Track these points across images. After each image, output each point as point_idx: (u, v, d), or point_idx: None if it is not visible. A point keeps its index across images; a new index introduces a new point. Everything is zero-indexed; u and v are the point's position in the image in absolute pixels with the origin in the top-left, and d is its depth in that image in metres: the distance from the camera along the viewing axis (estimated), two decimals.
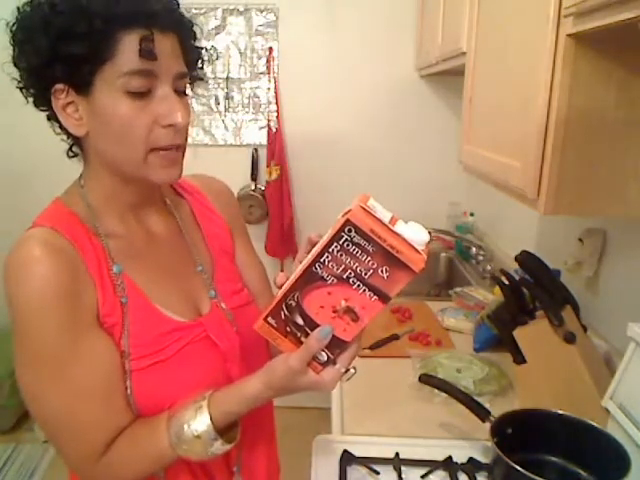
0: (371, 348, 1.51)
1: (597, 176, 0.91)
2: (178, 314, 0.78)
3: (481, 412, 1.03)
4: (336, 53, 2.52)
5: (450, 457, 1.02)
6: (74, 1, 0.66)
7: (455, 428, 1.15)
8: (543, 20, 0.88)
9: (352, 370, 0.74)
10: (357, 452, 1.03)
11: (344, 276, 0.63)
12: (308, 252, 0.67)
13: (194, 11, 2.44)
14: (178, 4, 0.74)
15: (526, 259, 1.24)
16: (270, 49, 2.47)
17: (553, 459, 0.97)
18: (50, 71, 0.68)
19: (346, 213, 0.61)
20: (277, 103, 2.52)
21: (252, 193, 2.61)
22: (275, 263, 2.66)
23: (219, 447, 0.71)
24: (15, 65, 0.72)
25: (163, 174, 0.74)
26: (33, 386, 0.74)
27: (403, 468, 1.00)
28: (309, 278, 0.64)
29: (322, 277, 0.64)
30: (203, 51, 0.81)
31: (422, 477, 0.99)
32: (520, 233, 1.93)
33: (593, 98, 0.87)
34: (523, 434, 0.96)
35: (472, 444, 1.07)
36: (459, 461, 1.01)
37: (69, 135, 0.78)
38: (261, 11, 2.47)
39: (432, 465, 1.00)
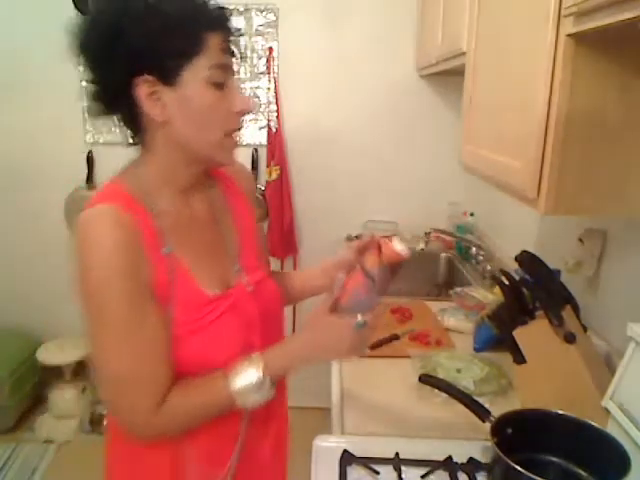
0: (371, 348, 1.50)
1: (597, 176, 0.91)
2: (212, 288, 0.88)
3: (481, 412, 1.03)
4: (336, 53, 2.52)
5: (450, 457, 1.02)
6: (170, 3, 0.77)
7: (455, 428, 1.15)
8: (543, 20, 0.87)
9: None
10: (357, 452, 1.03)
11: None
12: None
13: None
14: (226, 7, 0.86)
15: (526, 259, 1.24)
16: (270, 49, 2.47)
17: (553, 459, 0.97)
18: (140, 64, 0.78)
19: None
20: (277, 103, 2.52)
21: None
22: (275, 263, 2.67)
23: (270, 394, 0.85)
24: (87, 59, 0.82)
25: (229, 156, 0.89)
26: (102, 348, 0.82)
27: (403, 468, 1.00)
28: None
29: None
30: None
31: (422, 477, 0.98)
32: (520, 233, 1.93)
33: (593, 98, 0.86)
34: (523, 434, 0.96)
35: (472, 444, 1.06)
36: (459, 461, 1.01)
37: (132, 126, 0.88)
38: (261, 11, 2.47)
39: (432, 465, 1.00)
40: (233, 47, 0.85)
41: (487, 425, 0.98)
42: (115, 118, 0.88)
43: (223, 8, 0.84)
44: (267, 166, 2.57)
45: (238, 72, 0.97)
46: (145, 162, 0.89)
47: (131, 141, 0.91)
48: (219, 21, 0.82)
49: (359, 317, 0.87)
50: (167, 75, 0.79)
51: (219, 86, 0.82)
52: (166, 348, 0.83)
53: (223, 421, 0.89)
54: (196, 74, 0.80)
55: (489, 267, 2.08)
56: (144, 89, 0.80)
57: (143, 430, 0.85)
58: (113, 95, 0.83)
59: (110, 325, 0.79)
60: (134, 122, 0.86)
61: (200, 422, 0.88)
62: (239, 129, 0.87)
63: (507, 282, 1.27)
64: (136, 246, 0.79)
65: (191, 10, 0.79)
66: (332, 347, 0.90)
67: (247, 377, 0.83)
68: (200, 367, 0.86)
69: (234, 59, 0.86)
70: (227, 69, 0.83)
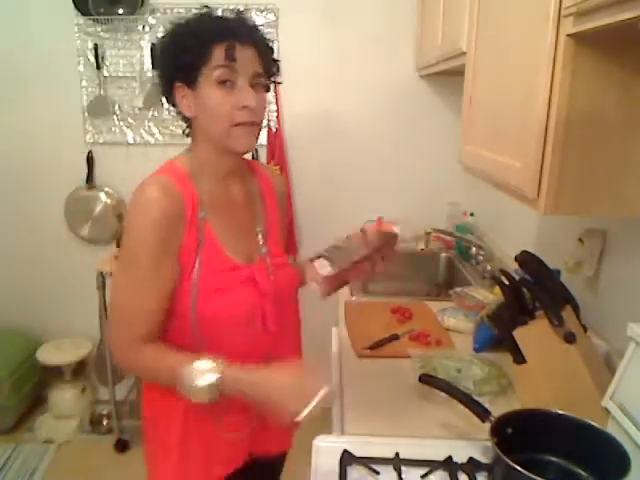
0: (371, 348, 1.51)
1: (597, 176, 0.91)
2: (238, 258, 1.07)
3: (481, 412, 1.03)
4: (336, 53, 2.52)
5: (450, 457, 1.02)
6: (185, 28, 1.03)
7: (455, 428, 1.15)
8: (543, 20, 0.88)
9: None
10: (357, 452, 1.03)
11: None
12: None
13: (194, 11, 2.44)
14: (255, 26, 1.06)
15: (526, 259, 1.24)
16: None
17: (553, 459, 0.97)
18: (173, 75, 1.04)
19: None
20: (277, 103, 2.52)
21: None
22: None
23: (211, 399, 0.95)
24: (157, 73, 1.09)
25: (240, 143, 1.04)
26: (118, 278, 1.05)
27: (403, 468, 1.00)
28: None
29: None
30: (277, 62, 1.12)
31: (422, 477, 0.98)
32: (520, 233, 1.93)
33: (593, 98, 0.86)
34: (523, 434, 0.96)
35: (472, 444, 1.07)
36: (459, 461, 1.01)
37: (184, 120, 1.11)
38: (261, 11, 2.47)
39: (432, 465, 1.00)
40: (249, 55, 1.02)
41: (487, 425, 0.98)
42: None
43: (230, 19, 1.04)
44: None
45: (274, 75, 1.12)
46: (192, 149, 1.11)
47: (185, 132, 1.14)
48: (224, 33, 1.01)
49: (327, 265, 1.05)
50: (190, 82, 1.02)
51: (225, 86, 1.01)
52: (166, 299, 1.01)
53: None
54: (207, 78, 1.01)
55: (489, 267, 2.08)
56: (179, 92, 1.05)
57: (118, 358, 1.05)
58: (167, 96, 1.09)
59: (130, 269, 1.01)
60: (183, 117, 1.10)
61: (153, 381, 1.09)
62: (248, 122, 1.03)
63: (507, 282, 1.28)
64: (177, 211, 1.00)
65: (201, 31, 1.01)
66: (275, 405, 0.93)
67: (203, 378, 0.94)
68: (215, 323, 1.03)
69: (257, 67, 1.03)
70: (232, 71, 1.01)
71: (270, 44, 1.09)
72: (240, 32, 1.02)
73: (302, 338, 1.29)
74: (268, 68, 1.08)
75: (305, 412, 0.89)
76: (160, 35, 1.10)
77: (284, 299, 1.14)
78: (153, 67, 1.12)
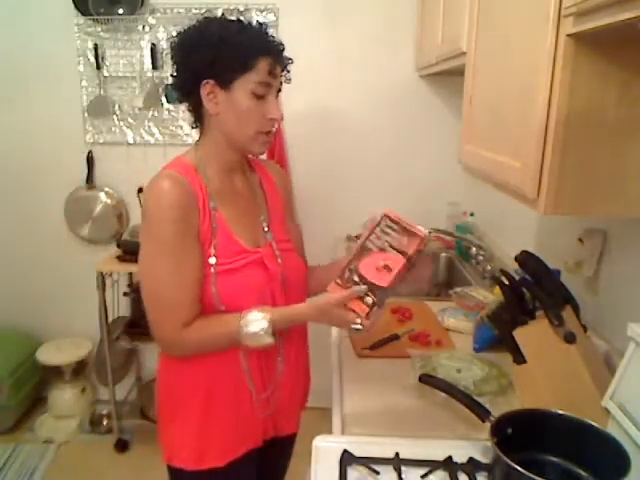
0: (371, 348, 1.51)
1: (597, 176, 0.91)
2: (245, 242, 1.15)
3: (481, 412, 1.03)
4: (336, 53, 2.52)
5: (450, 457, 1.02)
6: (235, 34, 1.07)
7: (455, 428, 1.15)
8: (543, 20, 0.88)
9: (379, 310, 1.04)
10: (357, 452, 1.03)
11: (382, 246, 1.04)
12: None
13: (194, 11, 2.45)
14: (282, 42, 1.13)
15: (526, 259, 1.24)
16: None
17: (553, 459, 0.97)
18: (207, 72, 1.07)
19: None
20: None
21: None
22: None
23: (269, 341, 1.08)
24: (176, 62, 1.12)
25: (260, 148, 1.15)
26: (148, 270, 1.09)
27: (403, 468, 1.00)
28: (362, 251, 1.05)
29: (370, 248, 1.05)
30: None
31: (422, 477, 0.98)
32: (520, 233, 1.93)
33: (593, 98, 0.86)
34: (523, 434, 0.96)
35: (472, 444, 1.07)
36: (459, 461, 1.01)
37: (195, 114, 1.16)
38: (261, 11, 2.47)
39: (432, 465, 1.00)
40: (279, 71, 1.11)
41: (487, 425, 0.98)
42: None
43: (268, 33, 1.11)
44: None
45: (281, 88, 1.19)
46: (202, 143, 1.17)
47: (194, 126, 1.19)
48: (271, 49, 1.09)
49: (369, 299, 1.02)
50: (223, 82, 1.07)
51: (259, 97, 1.09)
52: (197, 282, 1.08)
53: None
54: (244, 85, 1.07)
55: (489, 267, 2.08)
56: (206, 89, 1.08)
57: (167, 344, 1.12)
58: (187, 89, 1.12)
59: (156, 256, 1.07)
60: (197, 112, 1.15)
61: (211, 349, 1.13)
62: (270, 132, 1.13)
63: (507, 282, 1.28)
64: (189, 200, 1.07)
65: (248, 39, 1.07)
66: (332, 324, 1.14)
67: (256, 324, 1.07)
68: (228, 302, 1.10)
69: (280, 78, 1.13)
70: (269, 86, 1.10)
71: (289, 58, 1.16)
72: (279, 50, 1.11)
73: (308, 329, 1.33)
74: (286, 80, 1.18)
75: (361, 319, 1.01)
76: (178, 30, 1.12)
77: (292, 282, 1.20)
78: (173, 59, 1.10)
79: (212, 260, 1.09)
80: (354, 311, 1.02)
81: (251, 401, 1.18)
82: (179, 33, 1.11)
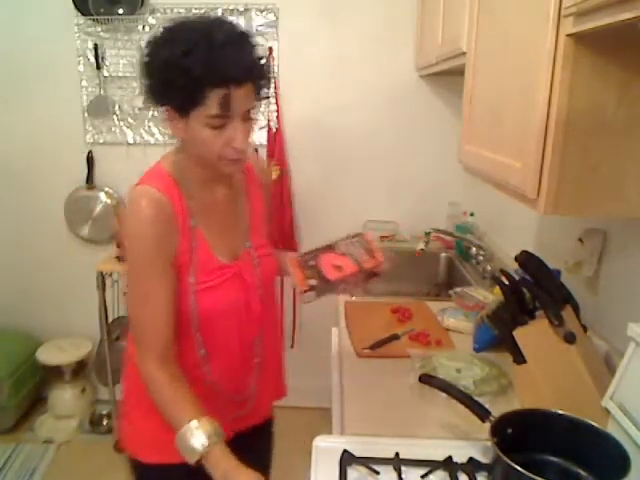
0: (371, 348, 1.51)
1: (597, 176, 0.91)
2: (224, 257, 1.13)
3: (481, 412, 1.03)
4: (336, 53, 2.52)
5: (450, 457, 1.02)
6: (186, 62, 0.93)
7: (455, 428, 1.15)
8: (543, 20, 0.88)
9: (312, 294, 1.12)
10: (357, 452, 1.03)
11: (346, 252, 1.17)
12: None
13: (194, 11, 2.45)
14: (254, 59, 1.01)
15: (526, 259, 1.24)
16: (270, 49, 2.47)
17: (553, 459, 0.97)
18: (166, 99, 1.01)
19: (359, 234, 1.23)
20: (277, 103, 2.52)
21: None
22: None
23: (193, 459, 0.97)
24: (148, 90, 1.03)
25: (227, 170, 1.08)
26: (131, 294, 1.08)
27: (403, 468, 1.00)
28: (328, 248, 1.18)
29: (336, 248, 1.18)
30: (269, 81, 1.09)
31: (422, 477, 0.99)
32: (520, 233, 1.93)
33: (593, 98, 0.86)
34: (523, 434, 0.96)
35: (472, 444, 1.07)
36: (459, 461, 1.01)
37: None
38: (261, 11, 2.47)
39: (432, 465, 1.00)
40: (240, 102, 0.99)
41: (487, 425, 0.98)
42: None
43: (227, 55, 0.95)
44: (267, 166, 2.57)
45: (264, 98, 1.10)
46: (182, 149, 1.11)
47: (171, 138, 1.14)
48: (224, 77, 0.95)
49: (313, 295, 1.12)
50: (178, 110, 1.01)
51: (216, 128, 1.00)
52: (170, 307, 1.05)
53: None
54: (198, 118, 0.99)
55: (489, 267, 2.08)
56: (166, 114, 1.03)
57: (144, 371, 1.07)
58: (155, 107, 1.06)
59: (135, 282, 1.06)
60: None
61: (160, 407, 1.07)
62: (233, 159, 1.05)
63: (507, 282, 1.28)
64: (168, 220, 1.04)
65: (197, 65, 0.93)
66: None
67: (200, 439, 0.97)
68: (205, 317, 1.10)
69: (249, 105, 1.02)
70: (225, 117, 0.99)
71: (268, 70, 1.05)
72: (237, 73, 0.96)
73: (280, 313, 1.35)
74: (263, 95, 1.07)
75: None
76: (146, 41, 1.02)
77: (267, 285, 1.22)
78: (140, 72, 1.03)
79: (191, 279, 1.08)
80: (296, 276, 1.13)
81: (221, 402, 1.17)
82: (146, 44, 1.02)
